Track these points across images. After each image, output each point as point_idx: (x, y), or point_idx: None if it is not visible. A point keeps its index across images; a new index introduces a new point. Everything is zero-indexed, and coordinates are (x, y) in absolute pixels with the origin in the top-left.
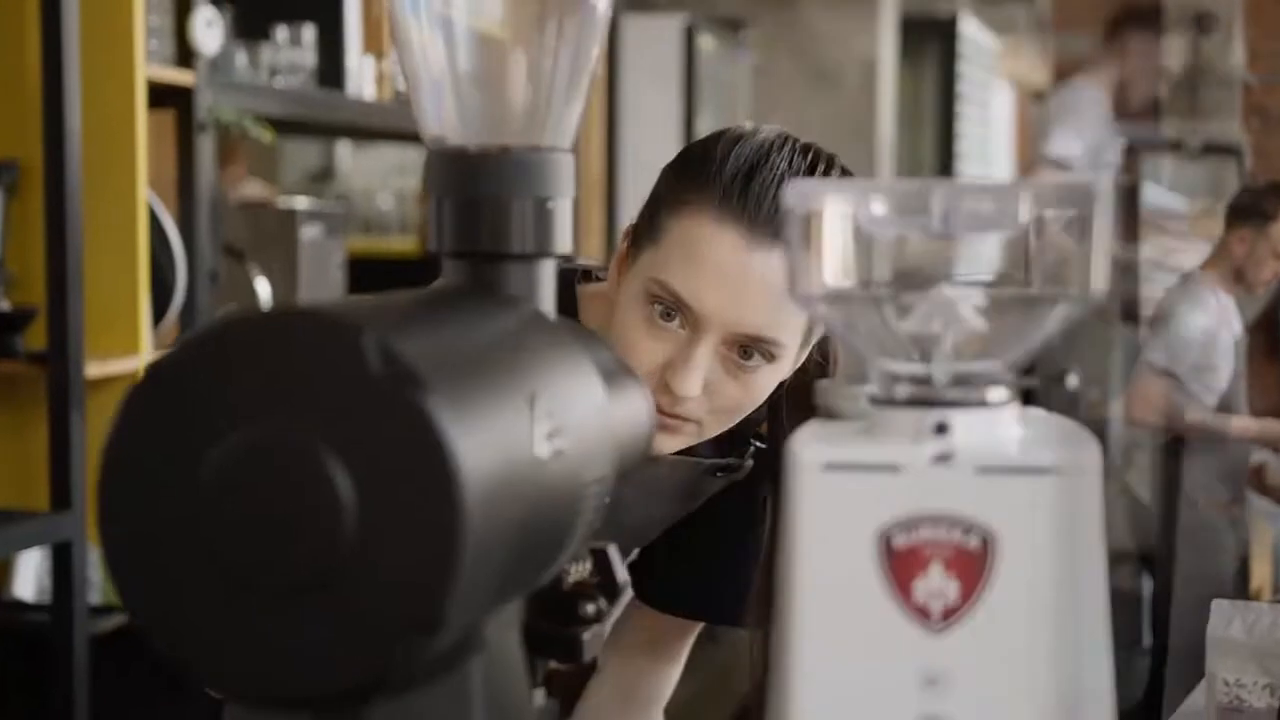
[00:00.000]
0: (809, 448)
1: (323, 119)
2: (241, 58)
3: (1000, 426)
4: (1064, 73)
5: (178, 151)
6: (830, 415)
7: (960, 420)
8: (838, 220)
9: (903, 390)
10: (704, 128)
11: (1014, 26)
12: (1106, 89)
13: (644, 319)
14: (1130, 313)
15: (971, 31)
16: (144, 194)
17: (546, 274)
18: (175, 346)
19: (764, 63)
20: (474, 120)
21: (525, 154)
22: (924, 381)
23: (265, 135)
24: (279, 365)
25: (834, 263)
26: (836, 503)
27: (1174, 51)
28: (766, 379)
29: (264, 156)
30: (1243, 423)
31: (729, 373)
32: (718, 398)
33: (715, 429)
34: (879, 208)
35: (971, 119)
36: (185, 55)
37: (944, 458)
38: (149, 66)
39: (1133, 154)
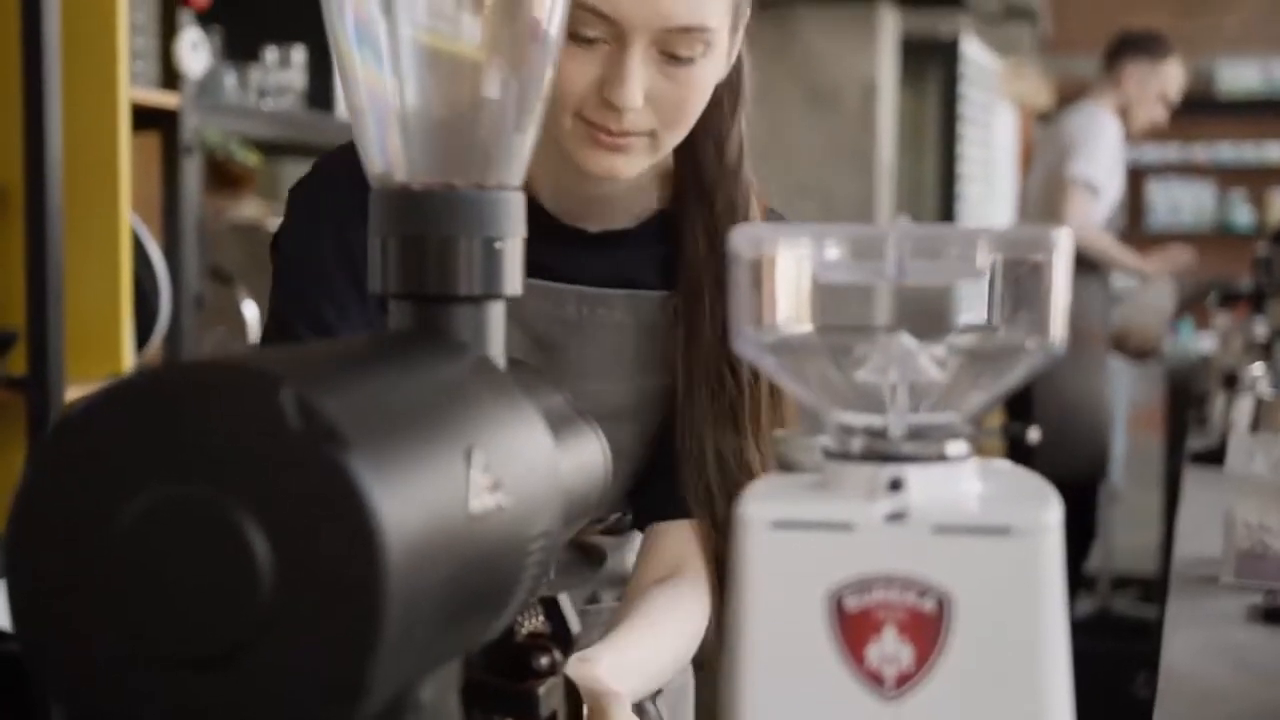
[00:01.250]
0: (757, 504)
1: (312, 141)
2: (230, 79)
3: (958, 482)
4: (1066, 93)
5: (163, 174)
6: (786, 467)
7: (916, 476)
8: (790, 265)
9: (857, 443)
10: None
11: (1016, 47)
12: (1112, 114)
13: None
14: (1123, 343)
15: (973, 52)
16: (127, 217)
17: (495, 317)
18: (90, 397)
19: (762, 84)
20: (419, 156)
21: (472, 192)
22: (879, 434)
23: (251, 158)
24: (195, 419)
25: (785, 309)
26: (786, 563)
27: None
28: (704, 72)
29: (268, 176)
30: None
31: (666, 75)
32: (662, 103)
33: (670, 141)
34: (833, 253)
35: (974, 141)
36: (171, 77)
37: (898, 516)
38: (134, 89)
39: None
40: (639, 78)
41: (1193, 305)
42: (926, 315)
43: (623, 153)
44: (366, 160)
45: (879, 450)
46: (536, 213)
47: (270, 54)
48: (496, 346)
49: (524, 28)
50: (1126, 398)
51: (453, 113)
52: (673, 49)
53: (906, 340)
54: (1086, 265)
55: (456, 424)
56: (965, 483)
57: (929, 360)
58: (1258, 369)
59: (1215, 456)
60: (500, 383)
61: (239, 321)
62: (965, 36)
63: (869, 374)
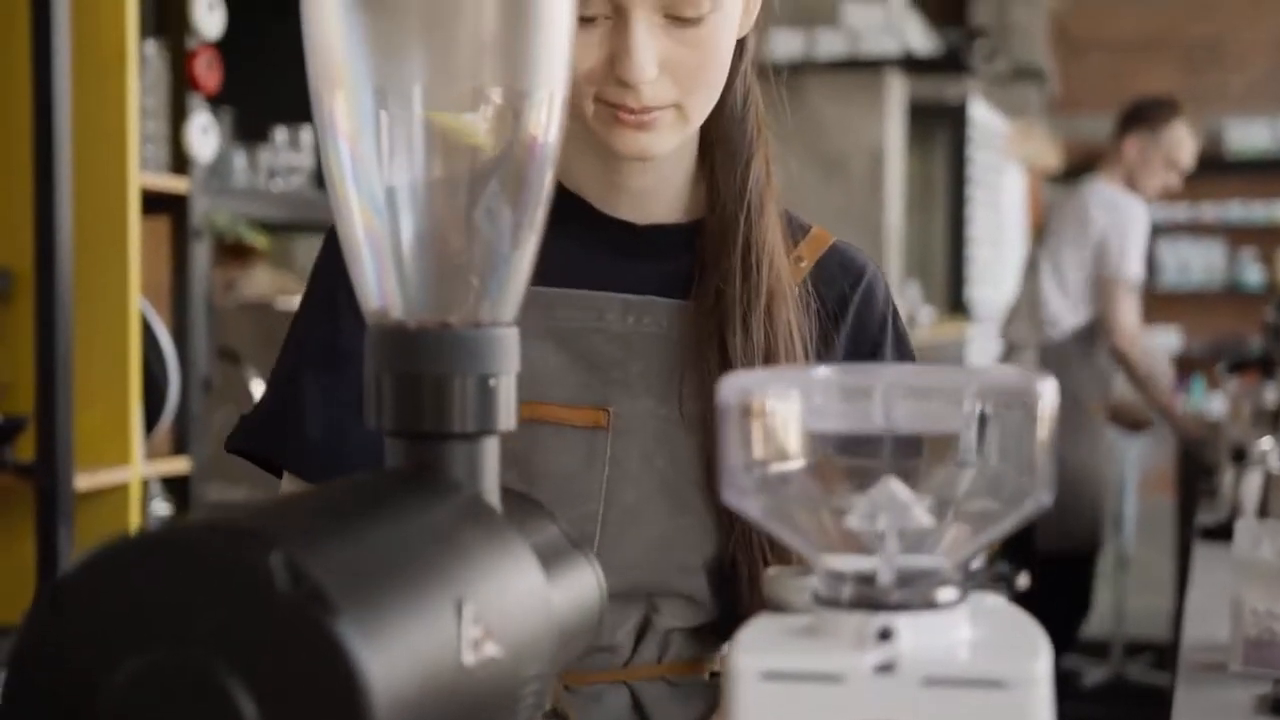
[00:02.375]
0: (748, 654)
1: (322, 220)
2: (240, 160)
3: (949, 630)
4: (1075, 154)
5: (172, 258)
6: (777, 607)
7: (906, 625)
8: (778, 412)
9: (847, 591)
10: None
11: (1024, 109)
12: (1124, 189)
13: None
14: (1119, 415)
15: (981, 115)
16: (136, 302)
17: (489, 453)
18: (84, 559)
19: (771, 150)
20: (415, 295)
21: (468, 331)
22: (869, 580)
23: (259, 240)
24: (185, 583)
25: (773, 455)
26: (777, 713)
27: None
28: (719, 29)
29: (279, 250)
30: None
31: (677, 40)
32: (679, 70)
33: (698, 109)
34: (820, 399)
35: (982, 202)
36: (181, 161)
37: (887, 667)
38: (144, 174)
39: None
40: (647, 49)
41: (1203, 367)
42: (915, 461)
43: (649, 129)
44: (362, 297)
45: (868, 598)
46: (581, 207)
47: (280, 135)
48: (490, 482)
49: (522, 146)
50: (1138, 461)
51: (449, 248)
52: (678, 11)
53: (895, 487)
54: (1087, 338)
55: (447, 575)
56: (956, 630)
57: (920, 509)
58: (1267, 443)
59: (1225, 532)
60: (492, 524)
61: (247, 400)
62: (973, 99)
63: (858, 521)
